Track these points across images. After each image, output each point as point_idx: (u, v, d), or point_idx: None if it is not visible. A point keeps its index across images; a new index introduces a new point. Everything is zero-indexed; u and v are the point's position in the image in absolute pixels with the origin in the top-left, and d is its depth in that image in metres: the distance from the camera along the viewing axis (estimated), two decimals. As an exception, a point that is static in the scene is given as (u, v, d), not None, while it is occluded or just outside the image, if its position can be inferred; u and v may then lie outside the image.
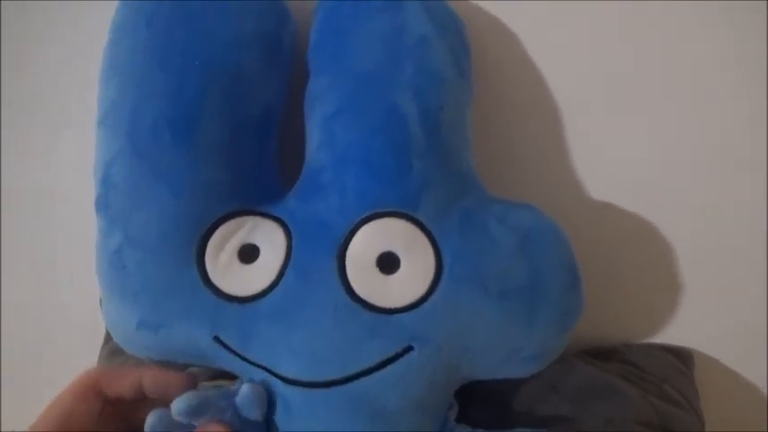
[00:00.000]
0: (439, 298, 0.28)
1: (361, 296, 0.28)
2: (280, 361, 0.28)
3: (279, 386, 0.29)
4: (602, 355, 0.41)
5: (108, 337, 0.40)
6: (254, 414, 0.29)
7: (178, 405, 0.27)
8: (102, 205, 0.30)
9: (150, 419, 0.27)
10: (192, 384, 0.30)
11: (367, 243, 0.28)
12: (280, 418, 0.29)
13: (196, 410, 0.27)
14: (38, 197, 0.42)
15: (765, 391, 0.43)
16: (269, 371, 0.29)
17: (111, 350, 0.39)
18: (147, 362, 0.32)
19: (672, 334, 0.42)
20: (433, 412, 0.31)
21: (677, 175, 0.39)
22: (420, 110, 0.29)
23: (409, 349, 0.28)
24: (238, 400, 0.28)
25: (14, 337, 0.46)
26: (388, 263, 0.28)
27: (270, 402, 0.29)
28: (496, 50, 0.36)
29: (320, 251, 0.29)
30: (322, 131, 0.30)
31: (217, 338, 0.29)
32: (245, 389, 0.29)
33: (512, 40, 0.37)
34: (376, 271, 0.28)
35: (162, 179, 0.29)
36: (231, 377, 0.32)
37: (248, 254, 0.29)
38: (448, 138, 0.30)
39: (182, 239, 0.29)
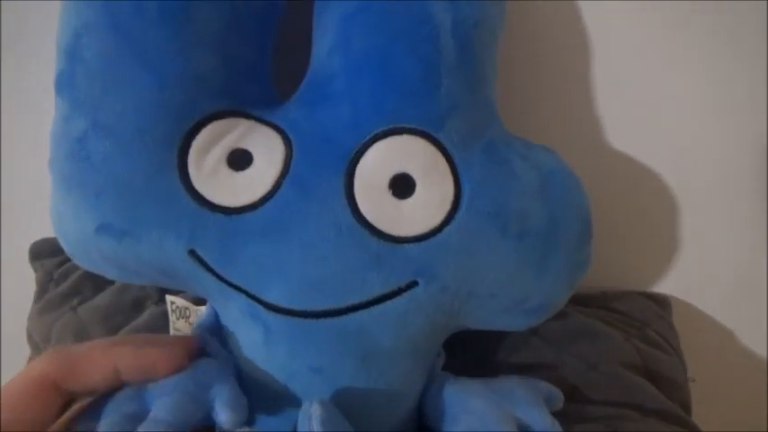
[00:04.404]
0: (454, 231, 0.25)
1: (369, 220, 0.24)
2: (266, 284, 0.25)
3: (260, 312, 0.25)
4: (582, 301, 0.39)
5: (39, 294, 0.35)
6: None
7: None
8: (66, 83, 0.25)
9: None
10: (181, 359, 0.24)
11: (380, 161, 0.25)
12: (256, 347, 0.26)
13: None
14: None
15: (740, 336, 0.43)
16: (249, 294, 0.25)
17: (42, 307, 0.34)
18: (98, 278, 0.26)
19: (648, 282, 0.42)
20: (425, 358, 0.28)
21: (658, 119, 0.38)
22: (454, 21, 0.25)
23: (413, 284, 0.25)
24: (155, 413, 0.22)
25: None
26: (402, 186, 0.25)
27: (247, 327, 0.26)
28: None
29: (325, 166, 0.25)
30: (337, 33, 0.26)
31: (193, 252, 0.25)
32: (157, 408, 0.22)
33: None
34: (388, 193, 0.25)
35: (145, 63, 0.24)
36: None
37: (239, 160, 0.25)
38: (480, 60, 0.27)
39: (162, 136, 0.24)
